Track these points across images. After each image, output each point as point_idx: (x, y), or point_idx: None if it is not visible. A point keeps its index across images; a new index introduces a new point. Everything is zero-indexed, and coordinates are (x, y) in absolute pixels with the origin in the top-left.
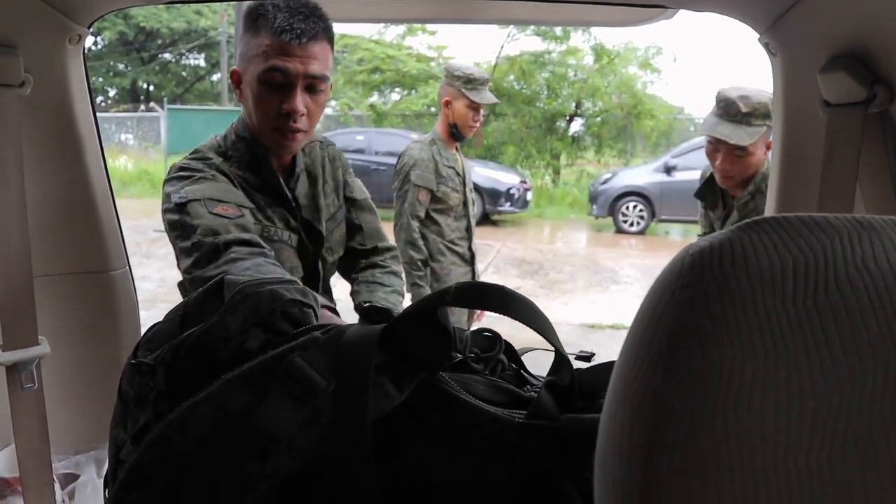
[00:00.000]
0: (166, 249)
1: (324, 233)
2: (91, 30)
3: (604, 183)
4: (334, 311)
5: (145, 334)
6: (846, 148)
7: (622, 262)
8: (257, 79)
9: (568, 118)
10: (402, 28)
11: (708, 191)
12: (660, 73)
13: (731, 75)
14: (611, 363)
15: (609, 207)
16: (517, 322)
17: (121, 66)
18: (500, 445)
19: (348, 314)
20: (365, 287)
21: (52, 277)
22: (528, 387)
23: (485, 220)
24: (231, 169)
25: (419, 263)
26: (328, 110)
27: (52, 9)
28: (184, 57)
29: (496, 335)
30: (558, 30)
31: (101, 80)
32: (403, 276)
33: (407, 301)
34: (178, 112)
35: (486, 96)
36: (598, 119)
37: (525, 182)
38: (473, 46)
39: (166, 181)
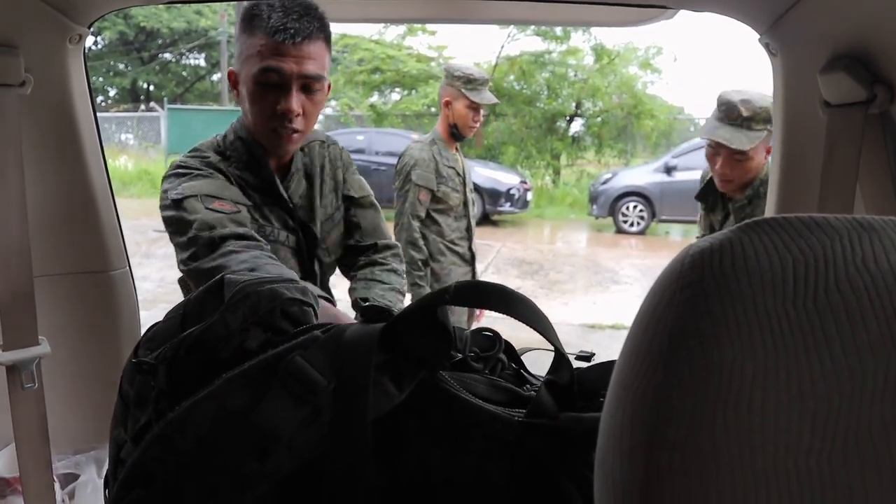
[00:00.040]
0: (166, 249)
1: (318, 234)
2: (91, 30)
3: (604, 183)
4: (329, 300)
5: (146, 334)
6: (846, 148)
7: (622, 263)
8: (253, 79)
9: (568, 118)
10: (402, 28)
11: (708, 193)
12: (660, 74)
13: (732, 76)
14: (610, 362)
15: (609, 207)
16: (517, 322)
17: (121, 66)
18: (499, 444)
19: (348, 313)
20: (362, 284)
21: (53, 277)
22: (528, 386)
23: (485, 220)
24: (229, 168)
25: (419, 263)
26: (328, 110)
27: (53, 9)
28: (184, 57)
29: (496, 334)
30: (558, 30)
31: (101, 79)
32: (404, 274)
33: (407, 301)
34: (178, 112)
35: (486, 96)
36: (599, 119)
37: (525, 182)
38: (473, 46)
39: (164, 179)
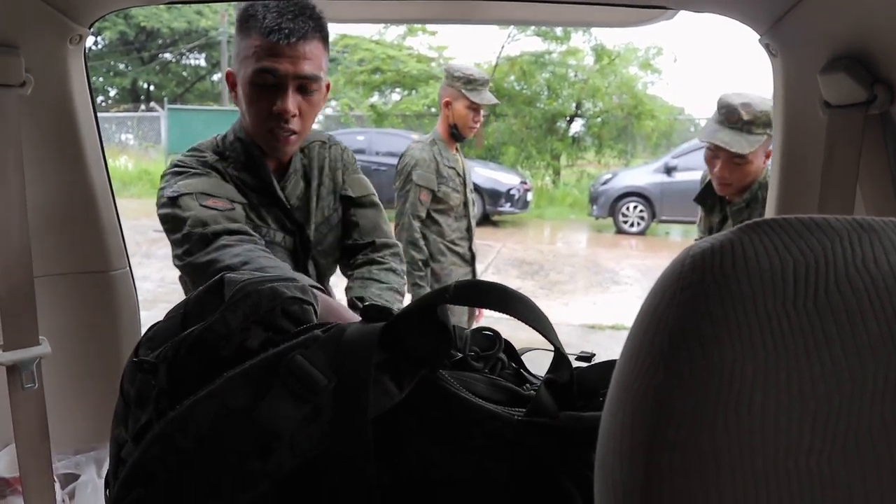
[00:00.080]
0: (166, 250)
1: (311, 236)
2: (92, 30)
3: (604, 183)
4: (322, 290)
5: (146, 333)
6: (846, 149)
7: (622, 263)
8: (248, 80)
9: (568, 119)
10: (402, 28)
11: (706, 196)
12: (660, 74)
13: (732, 76)
14: (609, 362)
15: (609, 208)
16: (517, 322)
17: (121, 66)
18: (499, 442)
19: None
20: (358, 283)
21: (53, 277)
22: (528, 385)
23: (485, 220)
24: (227, 169)
25: (420, 264)
26: (328, 110)
27: (54, 9)
28: (184, 57)
29: (496, 334)
30: (559, 30)
31: (101, 79)
32: (404, 274)
33: (407, 301)
34: (178, 112)
35: (486, 97)
36: (599, 119)
37: (525, 182)
38: (474, 47)
39: (162, 177)
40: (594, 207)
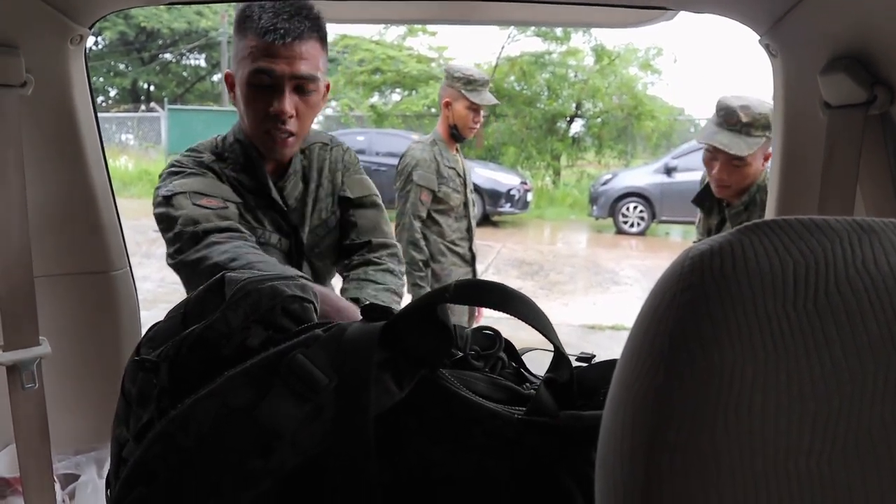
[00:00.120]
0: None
1: (305, 239)
2: (92, 30)
3: (604, 184)
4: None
5: (147, 333)
6: (846, 150)
7: (622, 264)
8: (245, 81)
9: (568, 119)
10: (402, 29)
11: (705, 198)
12: (660, 74)
13: (732, 77)
14: (609, 361)
15: (609, 208)
16: (517, 323)
17: (121, 67)
18: (499, 441)
19: None
20: (354, 285)
21: (53, 278)
22: (528, 384)
23: (485, 220)
24: (225, 169)
25: (420, 264)
26: (328, 111)
27: (54, 9)
28: (184, 57)
29: (496, 333)
30: (559, 31)
31: (101, 80)
32: (402, 275)
33: (407, 301)
34: (178, 112)
35: (486, 97)
36: (599, 120)
37: (525, 183)
38: (474, 47)
39: (159, 177)
40: (594, 208)
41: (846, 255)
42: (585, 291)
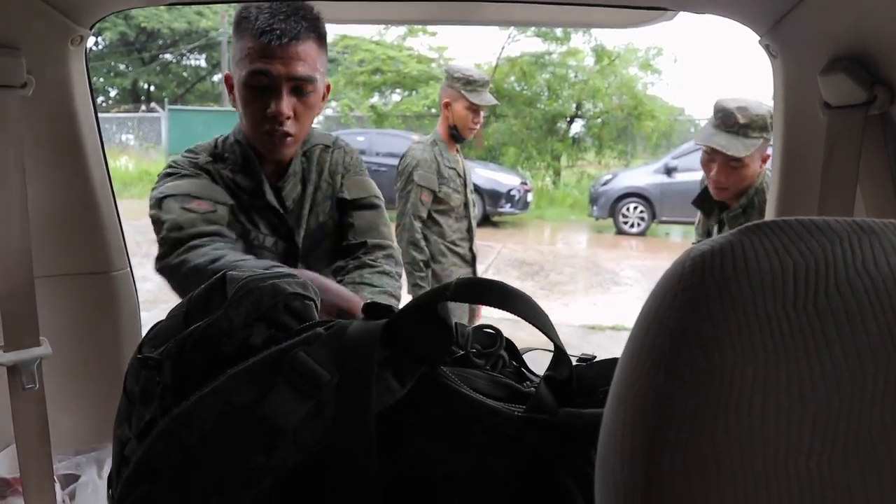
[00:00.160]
0: None
1: (300, 241)
2: (93, 31)
3: (604, 184)
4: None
5: (149, 332)
6: (846, 150)
7: (623, 264)
8: (243, 82)
9: (568, 119)
10: (402, 29)
11: (704, 199)
12: (660, 75)
13: (732, 77)
14: (609, 360)
15: (609, 209)
16: (517, 323)
17: (122, 67)
18: (500, 438)
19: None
20: (350, 288)
21: (53, 278)
22: (528, 383)
23: (485, 221)
24: (223, 171)
25: (421, 264)
26: (328, 111)
27: (55, 10)
28: (185, 57)
29: (497, 332)
30: (559, 31)
31: (102, 80)
32: (399, 277)
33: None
34: (178, 112)
35: (486, 98)
36: (599, 120)
37: (525, 183)
38: (474, 48)
39: (157, 178)
40: (594, 208)
41: (846, 255)
42: (586, 292)
